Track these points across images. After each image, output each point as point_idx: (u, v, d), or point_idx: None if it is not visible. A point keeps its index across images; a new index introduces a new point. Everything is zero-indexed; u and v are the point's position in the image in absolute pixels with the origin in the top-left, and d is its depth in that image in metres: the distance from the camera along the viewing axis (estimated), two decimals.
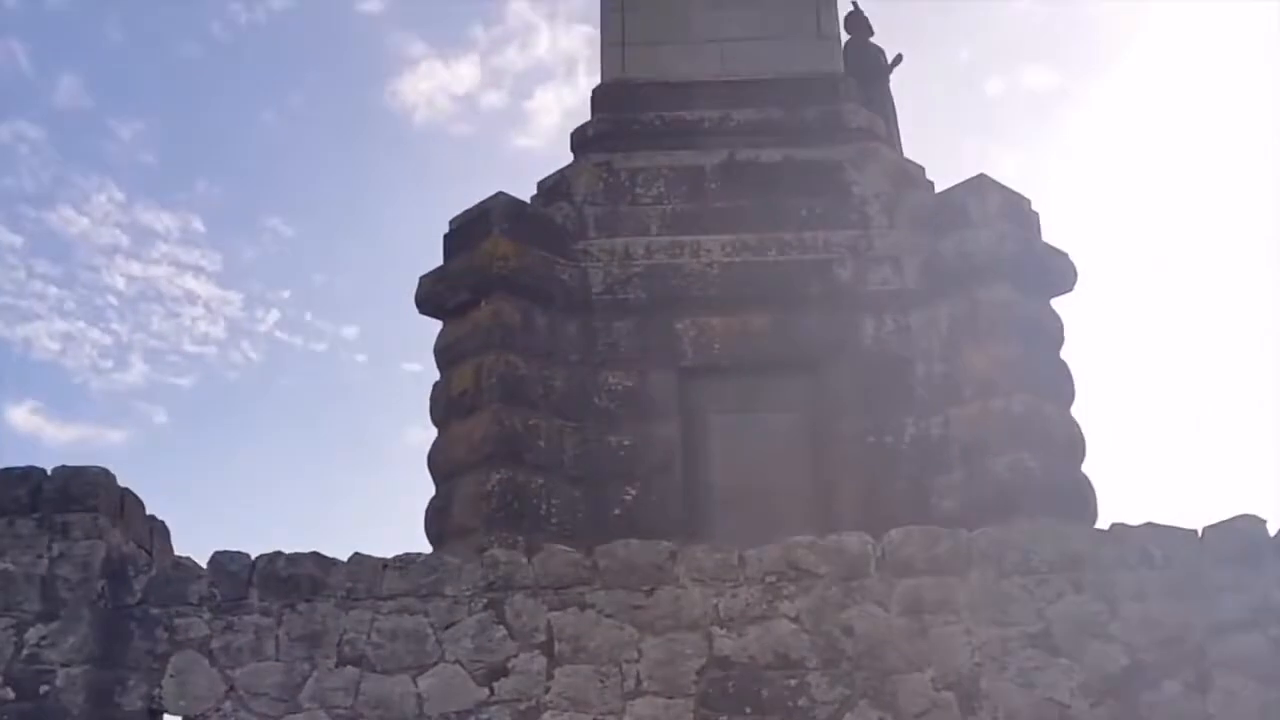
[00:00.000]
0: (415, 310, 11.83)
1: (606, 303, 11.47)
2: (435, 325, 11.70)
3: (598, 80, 13.15)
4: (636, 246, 11.69)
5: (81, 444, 34.41)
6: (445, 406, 11.12)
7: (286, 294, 39.09)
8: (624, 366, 11.29)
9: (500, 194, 11.64)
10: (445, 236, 11.90)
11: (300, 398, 36.78)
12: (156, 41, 37.84)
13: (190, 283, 36.67)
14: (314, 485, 35.60)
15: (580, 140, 12.79)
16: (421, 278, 11.78)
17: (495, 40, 41.84)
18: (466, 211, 11.82)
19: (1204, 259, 36.35)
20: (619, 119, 12.59)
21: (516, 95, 43.51)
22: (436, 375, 11.49)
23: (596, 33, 13.49)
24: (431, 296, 11.64)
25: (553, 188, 12.41)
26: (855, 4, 14.59)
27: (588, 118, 12.87)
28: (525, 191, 12.37)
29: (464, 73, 41.66)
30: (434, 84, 41.60)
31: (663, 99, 12.61)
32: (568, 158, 12.85)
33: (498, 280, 11.12)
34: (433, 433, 11.24)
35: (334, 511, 31.67)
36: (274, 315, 37.08)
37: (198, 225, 37.70)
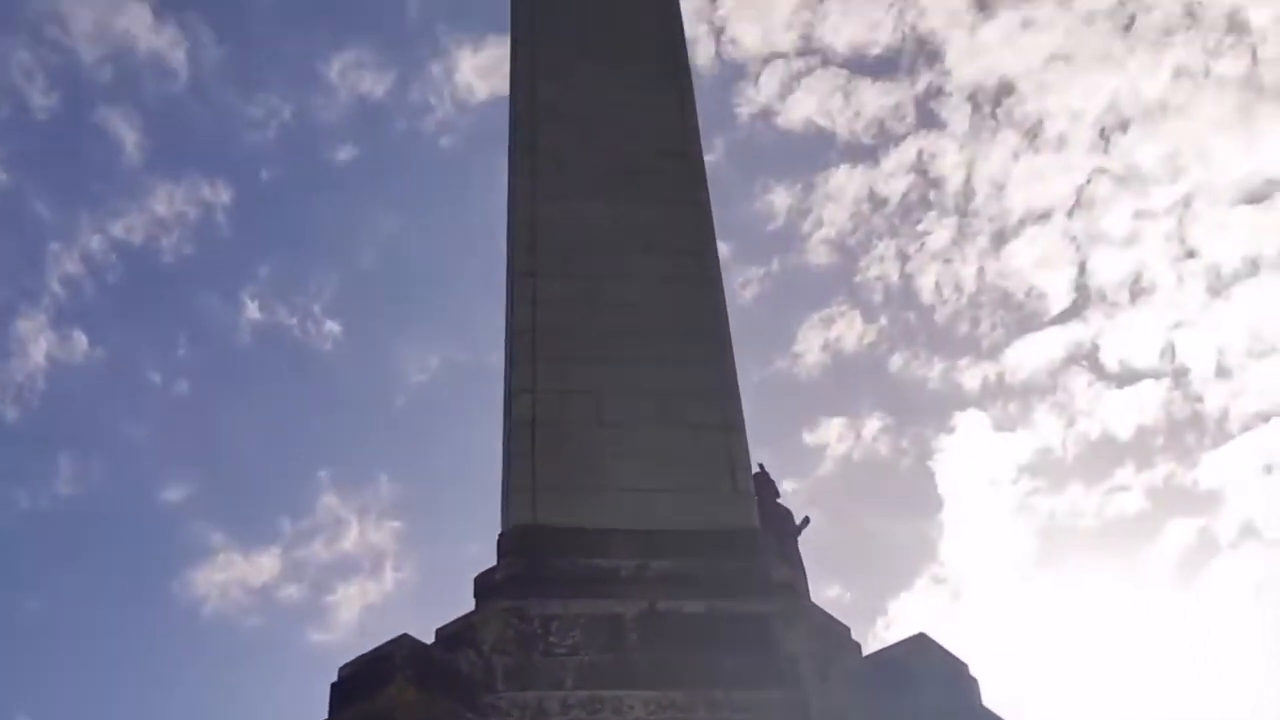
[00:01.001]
0: None
1: None
2: None
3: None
4: (551, 701, 10.61)
5: None
6: None
7: None
8: None
9: (404, 636, 10.57)
10: (334, 685, 10.63)
11: None
12: None
13: None
14: None
15: (486, 585, 11.90)
16: None
17: (301, 533, 40.90)
18: (362, 656, 10.64)
19: None
20: (530, 563, 11.84)
21: (316, 589, 41.79)
22: None
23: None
24: None
25: (455, 635, 11.35)
26: (761, 466, 14.53)
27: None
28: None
29: (264, 564, 40.17)
30: (230, 575, 39.85)
31: (577, 545, 11.97)
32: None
33: None
34: None
35: None
36: None
37: None
